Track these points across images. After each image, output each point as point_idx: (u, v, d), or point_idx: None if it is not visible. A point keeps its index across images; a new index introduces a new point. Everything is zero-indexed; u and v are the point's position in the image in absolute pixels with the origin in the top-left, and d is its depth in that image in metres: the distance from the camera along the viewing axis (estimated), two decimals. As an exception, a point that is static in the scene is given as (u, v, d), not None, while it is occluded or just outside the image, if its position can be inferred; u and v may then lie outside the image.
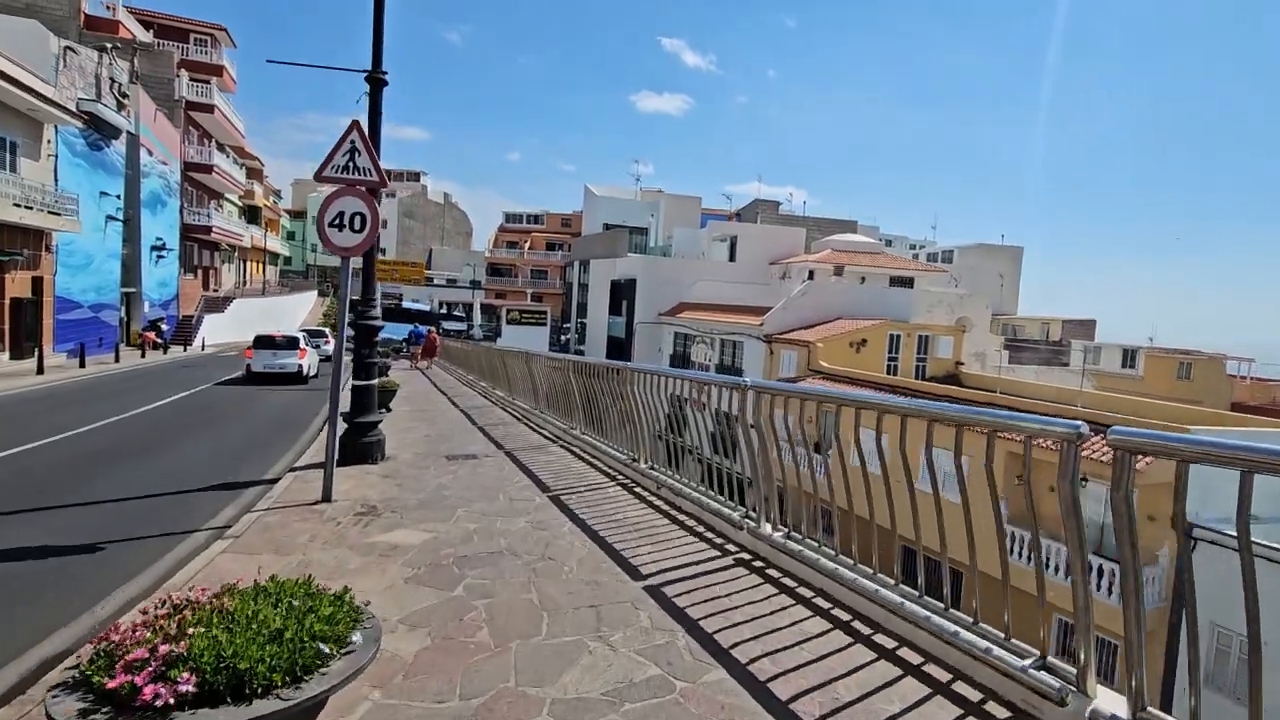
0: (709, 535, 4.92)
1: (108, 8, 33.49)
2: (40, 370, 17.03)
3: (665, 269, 34.28)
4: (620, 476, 6.85)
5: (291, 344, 19.00)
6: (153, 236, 29.96)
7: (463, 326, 38.57)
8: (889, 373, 23.94)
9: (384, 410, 11.78)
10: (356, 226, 5.83)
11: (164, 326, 29.55)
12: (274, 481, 6.77)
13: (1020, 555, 14.97)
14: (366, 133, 7.19)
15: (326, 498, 5.75)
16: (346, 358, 7.15)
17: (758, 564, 4.31)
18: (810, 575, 3.95)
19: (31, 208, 18.11)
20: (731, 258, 36.23)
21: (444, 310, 40.36)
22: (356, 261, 6.42)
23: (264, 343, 18.87)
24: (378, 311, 7.56)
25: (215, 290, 40.79)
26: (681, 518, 5.36)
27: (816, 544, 4.04)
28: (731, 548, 4.63)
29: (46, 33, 20.28)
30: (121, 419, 11.58)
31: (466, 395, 15.36)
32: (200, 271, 39.22)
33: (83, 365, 19.37)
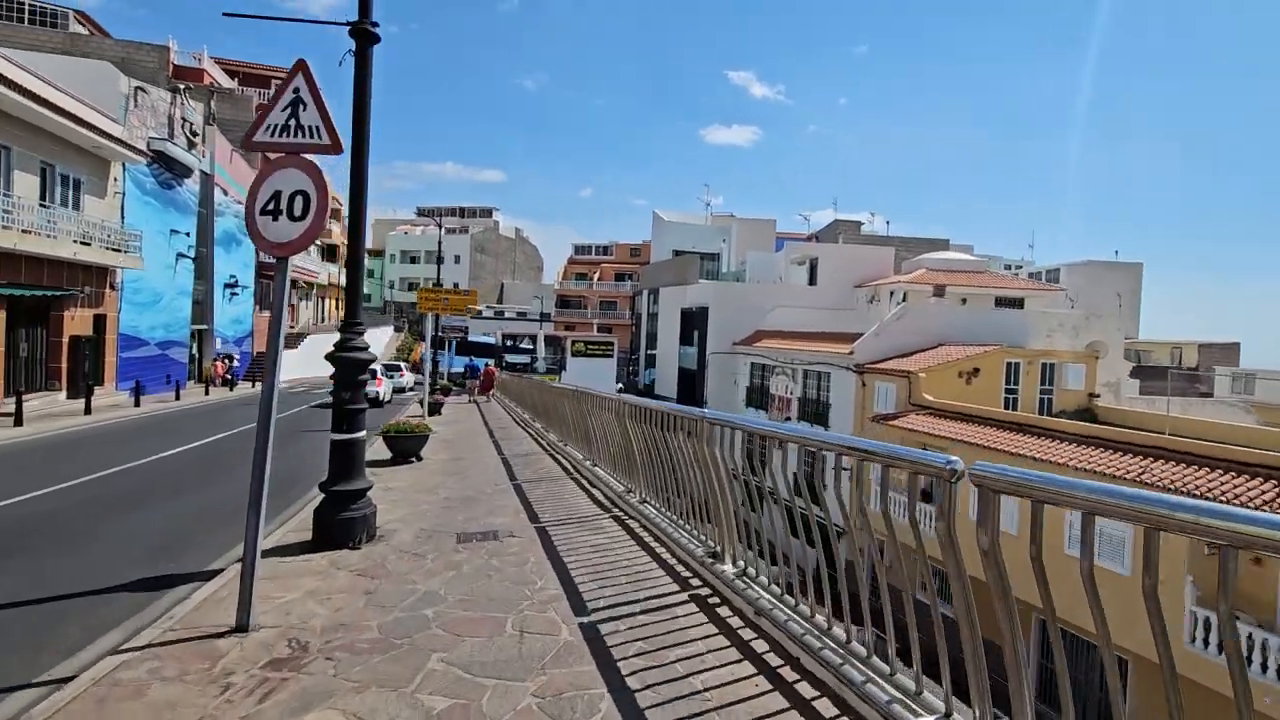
0: (869, 753, 2.56)
1: (195, 58, 35.00)
2: (88, 410, 16.40)
3: (739, 295, 31.93)
4: (695, 582, 4.56)
5: (370, 375, 21.79)
6: (226, 274, 30.27)
7: (527, 359, 37.41)
8: (1007, 407, 20.56)
9: (413, 460, 9.97)
10: (298, 212, 3.91)
11: (235, 362, 29.57)
12: (214, 575, 4.89)
13: (1210, 646, 11.57)
14: (353, 99, 5.40)
15: (241, 625, 3.75)
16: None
17: None
18: None
19: (90, 244, 17.81)
20: (811, 281, 33.49)
21: (509, 343, 39.39)
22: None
23: None
24: (364, 340, 5.66)
25: (291, 327, 41.40)
26: (799, 684, 3.04)
27: None
28: (929, 806, 2.26)
29: (116, 73, 20.45)
30: (132, 466, 10.31)
31: (516, 439, 13.46)
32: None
33: (137, 404, 18.84)
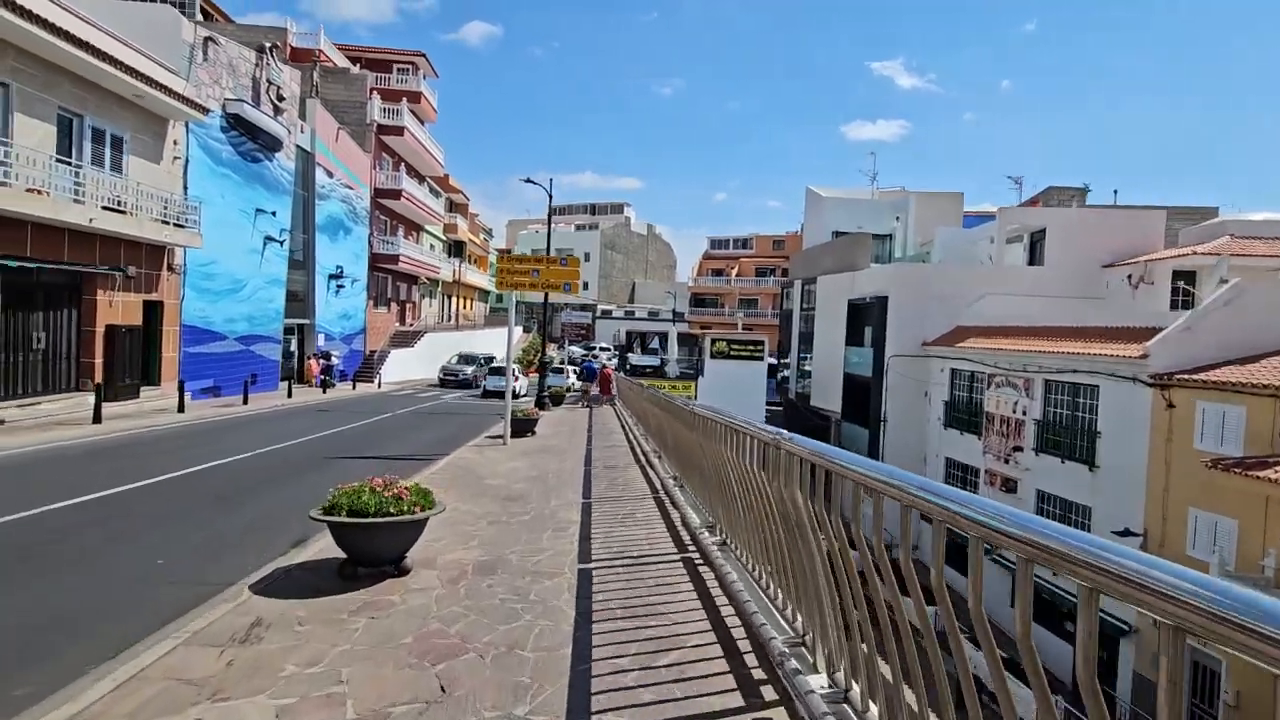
0: None
1: (312, 38, 33.15)
2: (98, 418, 12.83)
3: (933, 280, 24.31)
4: None
5: (501, 372, 26.29)
6: (331, 264, 27.51)
7: (655, 362, 31.98)
8: None
9: (390, 571, 4.44)
10: None
11: (336, 361, 26.62)
12: None
13: None
14: None
15: None
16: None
17: None
18: None
19: (123, 211, 14.46)
20: (1033, 260, 25.07)
21: (635, 342, 34.23)
22: None
23: (495, 371, 27.71)
24: None
25: (410, 324, 39.00)
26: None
27: None
28: None
29: (179, 18, 17.37)
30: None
31: (626, 495, 7.67)
32: (396, 305, 37.54)
33: (181, 410, 15.36)
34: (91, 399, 14.34)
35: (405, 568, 4.60)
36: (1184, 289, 19.95)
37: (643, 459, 10.29)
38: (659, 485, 8.09)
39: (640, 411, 12.16)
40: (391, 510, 4.45)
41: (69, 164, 13.52)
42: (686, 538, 5.71)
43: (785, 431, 3.04)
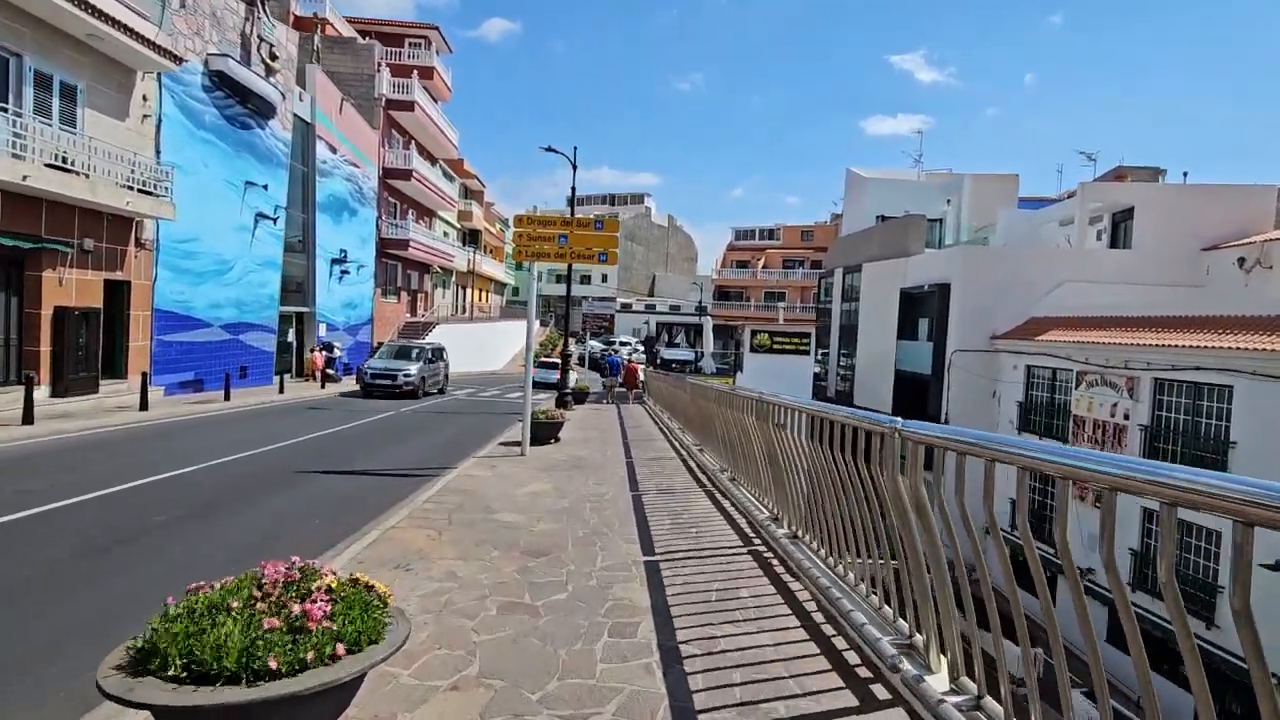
0: None
1: (325, 15, 30.93)
2: (29, 418, 10.57)
3: (1004, 265, 21.55)
4: None
5: (553, 367, 25.39)
6: (334, 248, 25.27)
7: (688, 355, 29.44)
8: None
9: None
10: None
11: (339, 353, 24.40)
12: None
13: None
14: None
15: None
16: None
17: None
18: None
19: (74, 171, 12.20)
20: (1115, 243, 22.24)
21: (664, 336, 31.80)
22: None
23: (542, 364, 27.23)
24: None
25: (423, 315, 36.80)
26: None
27: None
28: None
29: (150, -47, 15.04)
30: None
31: (704, 537, 5.20)
32: (406, 294, 35.33)
33: (144, 407, 13.13)
34: (38, 393, 12.07)
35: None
36: (1314, 273, 17.07)
37: (706, 481, 7.80)
38: (747, 529, 5.60)
39: (698, 416, 9.63)
40: (280, 667, 1.98)
41: (3, 111, 11.27)
42: (848, 650, 3.20)
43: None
